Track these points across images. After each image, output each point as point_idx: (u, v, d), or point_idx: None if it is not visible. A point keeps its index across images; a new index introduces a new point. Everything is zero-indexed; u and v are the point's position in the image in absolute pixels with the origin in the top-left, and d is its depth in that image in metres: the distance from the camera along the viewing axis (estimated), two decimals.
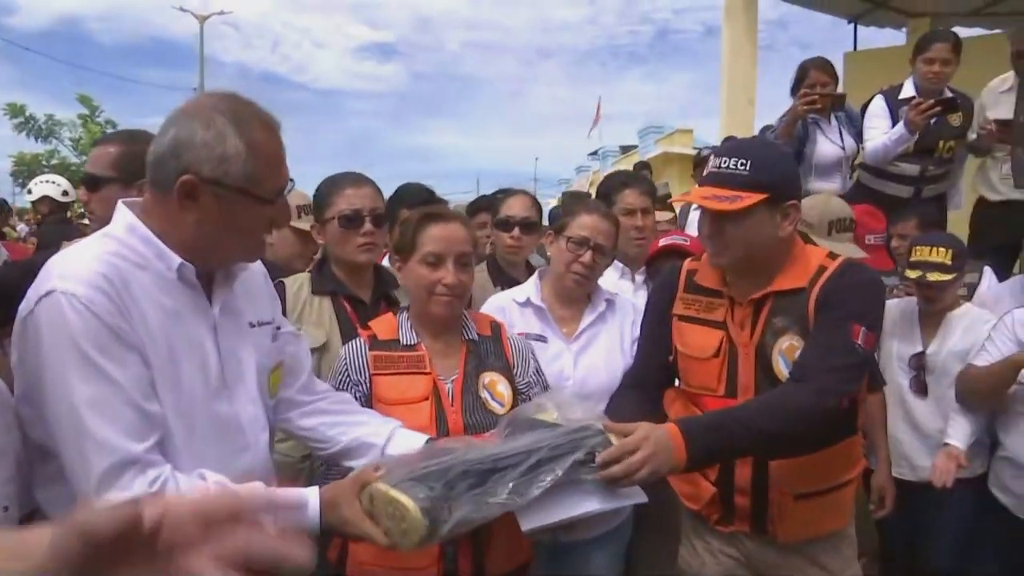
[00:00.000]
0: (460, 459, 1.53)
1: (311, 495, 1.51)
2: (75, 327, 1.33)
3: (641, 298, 2.81)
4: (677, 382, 2.17)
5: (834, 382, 1.83)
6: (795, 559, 2.06)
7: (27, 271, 2.22)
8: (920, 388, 3.03)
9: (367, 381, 1.99)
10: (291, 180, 1.58)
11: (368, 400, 1.98)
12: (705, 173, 1.96)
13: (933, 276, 2.95)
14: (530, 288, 2.50)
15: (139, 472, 1.35)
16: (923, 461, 2.98)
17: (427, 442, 1.79)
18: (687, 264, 2.17)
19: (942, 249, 2.99)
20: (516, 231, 3.08)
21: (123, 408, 1.35)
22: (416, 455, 1.62)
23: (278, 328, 1.76)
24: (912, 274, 3.00)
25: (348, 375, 2.01)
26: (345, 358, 2.04)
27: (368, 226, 2.40)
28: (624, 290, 2.89)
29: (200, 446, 1.49)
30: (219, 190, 1.44)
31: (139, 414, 1.37)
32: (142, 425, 1.37)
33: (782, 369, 1.91)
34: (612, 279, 2.95)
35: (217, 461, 1.50)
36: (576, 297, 2.48)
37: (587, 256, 2.36)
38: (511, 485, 1.52)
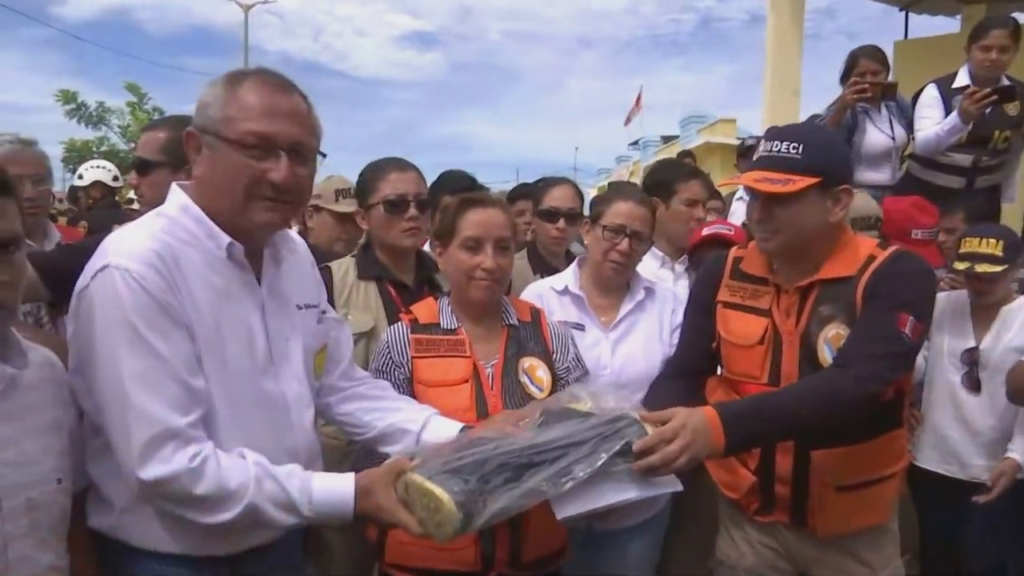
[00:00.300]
0: (495, 451, 1.53)
1: (346, 482, 1.52)
2: (127, 301, 1.38)
3: (682, 287, 2.79)
4: (719, 370, 2.15)
5: (876, 370, 1.80)
6: (834, 553, 2.03)
7: (81, 253, 2.29)
8: (973, 384, 2.95)
9: (408, 363, 2.02)
10: (322, 154, 1.59)
11: (410, 382, 2.01)
12: (756, 157, 1.94)
13: (981, 267, 2.88)
14: (568, 276, 2.50)
15: (180, 446, 1.39)
16: (973, 459, 2.92)
17: (462, 430, 1.80)
18: (733, 252, 2.15)
19: (992, 240, 2.92)
20: (561, 222, 3.08)
21: (168, 382, 1.39)
22: (450, 445, 1.62)
23: (323, 312, 1.79)
24: (960, 265, 2.93)
25: (390, 356, 2.04)
26: (387, 340, 2.07)
27: (412, 211, 2.42)
28: (664, 279, 2.88)
29: (246, 423, 1.52)
30: (205, 137, 1.49)
31: (183, 388, 1.41)
32: (186, 399, 1.41)
33: (827, 357, 1.89)
34: (652, 268, 2.93)
35: (263, 438, 1.54)
36: (614, 285, 2.47)
37: (624, 244, 2.36)
38: (545, 481, 1.51)
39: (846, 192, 1.93)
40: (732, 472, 2.09)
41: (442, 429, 1.80)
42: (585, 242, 2.55)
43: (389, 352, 2.05)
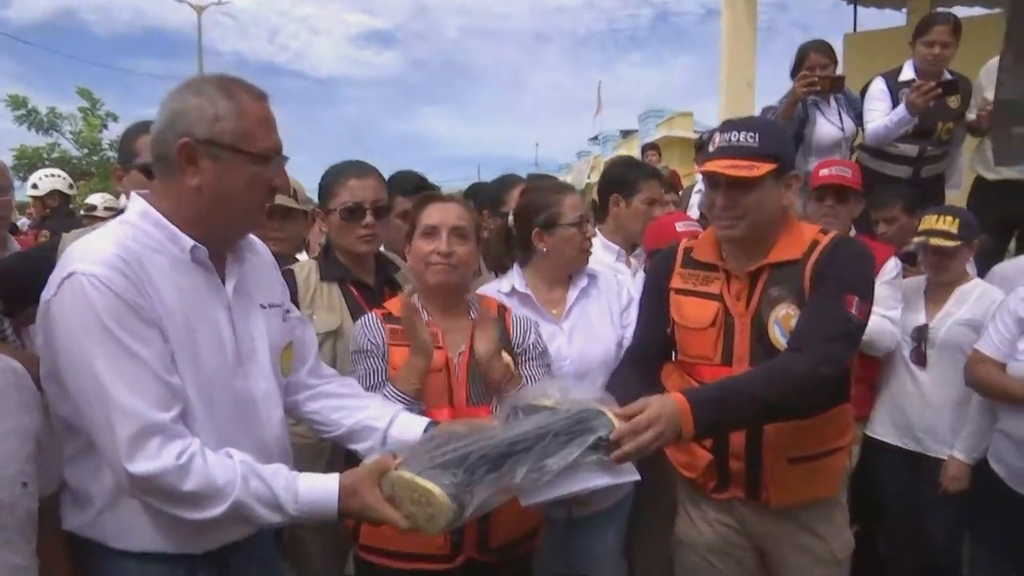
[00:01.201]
0: (477, 445, 1.57)
1: (331, 482, 1.56)
2: (97, 305, 1.41)
3: (640, 280, 2.86)
4: (674, 356, 2.22)
5: (830, 351, 1.90)
6: (789, 526, 2.13)
7: (31, 260, 2.27)
8: (919, 359, 3.08)
9: (384, 345, 2.10)
10: (285, 156, 1.64)
11: (386, 360, 2.08)
12: (714, 148, 2.03)
13: (935, 241, 3.01)
14: (513, 278, 2.55)
15: (166, 441, 1.42)
16: (926, 433, 3.05)
17: (429, 425, 1.84)
18: (684, 243, 2.24)
19: (949, 217, 3.06)
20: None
21: (147, 379, 1.42)
22: (428, 442, 1.65)
23: (287, 311, 1.83)
24: (917, 239, 3.08)
25: (367, 340, 2.11)
26: (361, 328, 2.15)
27: (368, 218, 2.45)
28: (620, 271, 2.95)
29: (219, 421, 1.55)
30: (214, 150, 1.51)
31: (162, 385, 1.44)
32: (166, 395, 1.44)
33: (778, 337, 1.98)
34: (608, 261, 3.00)
35: (235, 436, 1.57)
36: (560, 278, 2.54)
37: (588, 229, 2.50)
38: (525, 469, 1.57)
39: (795, 178, 2.06)
40: (689, 453, 2.17)
41: (409, 425, 1.84)
42: (543, 248, 2.50)
43: (364, 338, 2.12)
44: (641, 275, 2.91)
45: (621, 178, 3.12)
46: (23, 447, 1.43)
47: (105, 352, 1.41)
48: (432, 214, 2.14)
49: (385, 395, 1.98)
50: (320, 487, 1.55)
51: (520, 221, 2.53)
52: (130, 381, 1.41)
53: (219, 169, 1.52)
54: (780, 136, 2.08)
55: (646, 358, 2.26)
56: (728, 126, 2.04)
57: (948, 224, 3.03)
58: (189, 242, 1.55)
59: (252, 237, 1.81)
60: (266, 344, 1.70)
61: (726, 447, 2.08)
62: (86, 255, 1.46)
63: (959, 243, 3.02)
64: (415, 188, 2.91)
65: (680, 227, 2.88)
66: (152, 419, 1.41)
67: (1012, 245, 4.57)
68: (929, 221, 3.08)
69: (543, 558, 2.26)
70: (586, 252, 2.53)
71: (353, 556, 2.21)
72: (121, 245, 1.49)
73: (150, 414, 1.41)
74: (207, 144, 1.51)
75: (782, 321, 1.98)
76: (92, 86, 19.29)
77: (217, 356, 1.57)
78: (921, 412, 3.07)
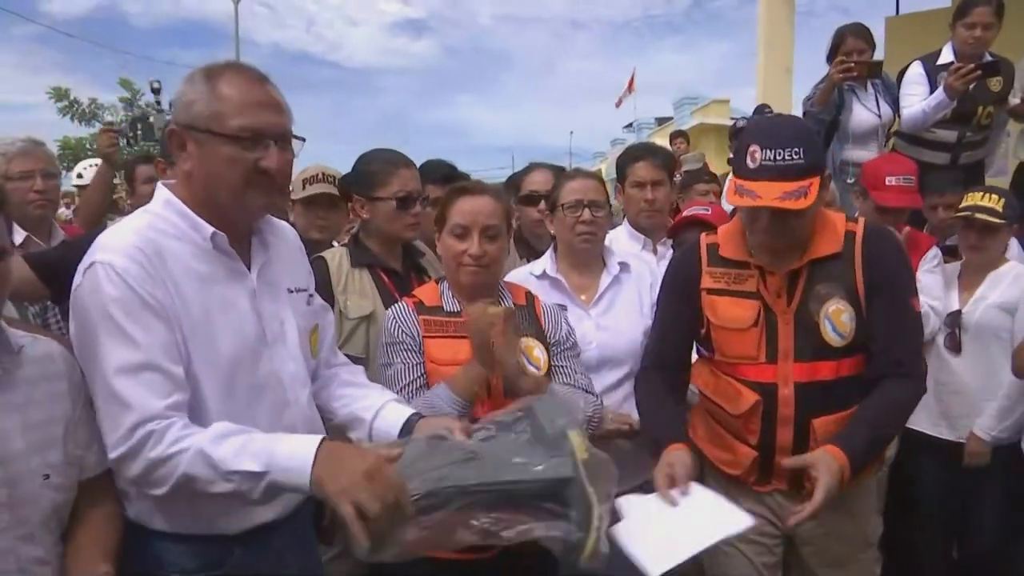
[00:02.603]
0: (451, 474, 1.47)
1: (312, 440, 1.47)
2: (108, 294, 1.46)
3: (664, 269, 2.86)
4: (708, 354, 2.20)
5: (923, 366, 2.09)
6: (825, 511, 2.09)
7: (76, 248, 2.35)
8: (954, 346, 3.04)
9: (419, 337, 2.09)
10: (300, 138, 1.64)
11: (421, 352, 2.07)
12: (756, 167, 1.92)
13: (981, 216, 2.98)
14: (546, 261, 2.58)
15: (159, 430, 1.44)
16: (962, 420, 3.01)
17: (408, 419, 1.77)
18: (704, 239, 2.20)
19: (994, 196, 3.04)
20: (542, 204, 3.12)
21: (146, 370, 1.46)
22: (426, 448, 1.55)
23: (311, 296, 1.86)
24: (961, 213, 3.05)
25: (402, 332, 2.09)
26: (394, 318, 2.13)
27: (417, 207, 2.52)
28: (647, 262, 2.93)
29: (240, 405, 1.58)
30: (194, 133, 1.55)
31: (162, 375, 1.47)
32: (165, 385, 1.47)
33: (830, 332, 2.00)
34: (634, 250, 2.99)
35: (260, 418, 1.60)
36: (589, 261, 2.55)
37: (585, 214, 2.46)
38: (481, 523, 1.47)
39: (829, 176, 2.04)
40: (730, 450, 2.17)
41: (392, 416, 1.79)
42: (552, 231, 2.61)
43: (400, 326, 2.10)
44: (665, 264, 2.91)
45: (619, 165, 3.13)
46: (48, 438, 1.44)
47: (111, 342, 1.45)
48: (463, 212, 2.10)
49: (436, 394, 1.96)
50: (302, 440, 1.48)
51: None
52: (131, 372, 1.45)
53: (201, 152, 1.56)
54: (814, 140, 2.02)
55: (672, 364, 2.23)
56: (770, 142, 1.91)
57: (994, 202, 3.01)
58: (209, 229, 1.58)
59: (277, 221, 1.84)
60: (295, 327, 1.73)
61: (773, 443, 2.08)
62: (108, 245, 1.51)
63: (1003, 222, 3.00)
64: (445, 177, 2.94)
65: (687, 212, 2.86)
66: (147, 410, 1.44)
67: None
68: (974, 198, 3.06)
69: None
70: (582, 236, 2.48)
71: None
72: (141, 235, 1.53)
73: (146, 405, 1.44)
74: (187, 129, 1.55)
75: (832, 316, 1.98)
76: (133, 77, 19.63)
77: (238, 341, 1.59)
78: (956, 399, 3.03)
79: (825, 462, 1.84)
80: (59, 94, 18.42)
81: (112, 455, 1.46)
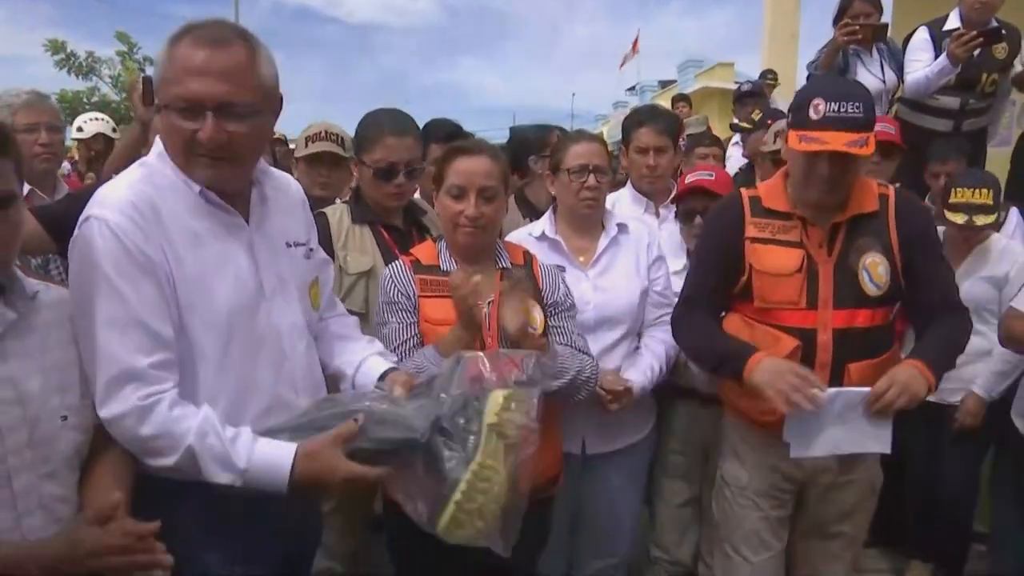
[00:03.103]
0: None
1: (289, 446, 1.52)
2: (100, 250, 1.47)
3: (667, 232, 2.87)
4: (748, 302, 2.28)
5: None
6: (846, 458, 2.24)
7: (81, 201, 2.37)
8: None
9: (415, 297, 2.11)
10: (218, 107, 1.50)
11: (416, 311, 2.10)
12: (819, 117, 2.05)
13: (980, 220, 2.98)
14: (544, 223, 2.59)
15: (139, 386, 1.46)
16: (946, 384, 3.02)
17: (384, 374, 1.80)
18: (745, 193, 2.30)
19: (985, 190, 3.02)
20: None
21: (133, 326, 1.47)
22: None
23: (311, 249, 1.86)
24: (958, 219, 3.02)
25: (397, 292, 2.12)
26: (391, 276, 2.15)
27: (401, 179, 2.48)
28: (648, 224, 2.95)
29: (238, 357, 1.59)
30: (157, 98, 1.55)
31: (148, 333, 1.48)
32: (150, 343, 1.48)
33: (867, 282, 2.15)
34: (636, 213, 3.00)
35: (259, 371, 1.63)
36: (589, 225, 2.57)
37: (591, 180, 2.47)
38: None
39: (873, 135, 2.13)
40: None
41: (371, 371, 1.82)
42: (552, 191, 2.62)
43: (395, 286, 2.12)
44: (669, 225, 2.93)
45: (624, 128, 3.12)
46: (64, 381, 1.47)
47: (100, 296, 1.46)
48: (460, 172, 2.10)
49: (424, 355, 1.99)
50: (276, 447, 1.52)
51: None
52: (116, 327, 1.46)
53: (160, 117, 1.57)
54: (871, 99, 2.16)
55: (713, 306, 2.33)
56: (833, 94, 2.08)
57: (986, 197, 3.01)
58: (197, 186, 1.58)
59: (280, 174, 1.84)
60: (293, 280, 1.74)
61: None
62: (104, 199, 1.51)
63: (997, 215, 3.02)
64: (448, 136, 2.93)
65: (689, 178, 2.83)
66: (129, 365, 1.45)
67: None
68: (965, 194, 3.03)
69: (559, 495, 2.33)
70: (584, 202, 2.49)
71: (383, 505, 2.25)
72: (137, 189, 1.53)
73: (130, 360, 1.45)
74: (156, 92, 1.55)
75: (869, 268, 2.14)
76: (129, 30, 19.34)
77: (234, 294, 1.59)
78: None
79: (899, 368, 2.05)
80: (55, 46, 18.15)
81: (100, 411, 1.48)
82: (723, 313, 2.35)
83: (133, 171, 1.61)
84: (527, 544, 2.21)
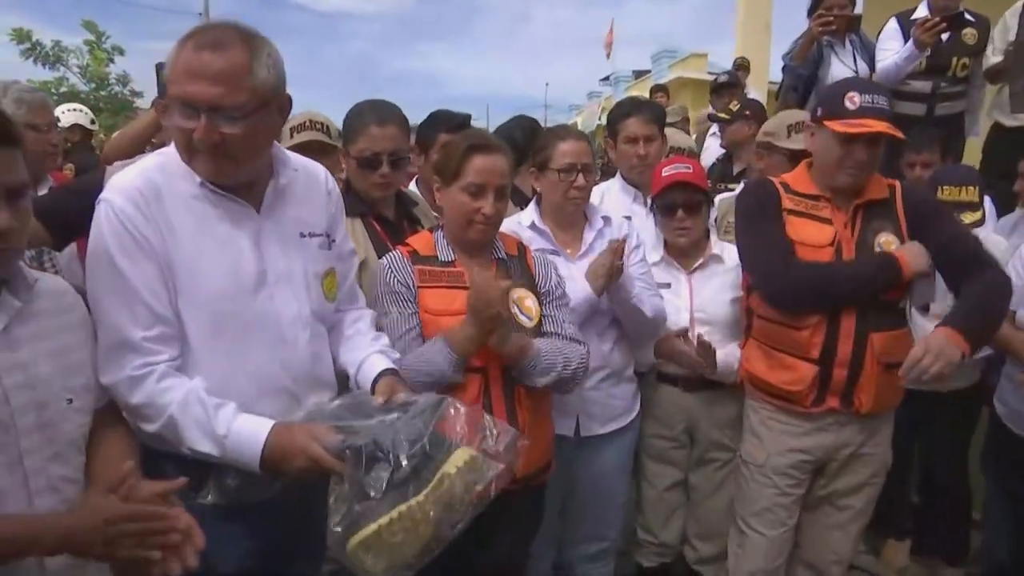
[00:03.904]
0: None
1: (267, 421, 1.61)
2: (106, 231, 1.60)
3: (651, 223, 2.90)
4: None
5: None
6: (863, 434, 2.45)
7: (76, 193, 2.36)
8: (923, 306, 3.14)
9: (414, 287, 2.12)
10: (211, 110, 1.55)
11: (415, 302, 2.11)
12: (856, 108, 2.29)
13: (967, 217, 3.02)
14: (531, 213, 2.62)
15: (136, 357, 1.58)
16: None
17: (380, 374, 1.83)
18: (775, 180, 2.51)
19: (971, 187, 3.07)
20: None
21: (132, 301, 1.58)
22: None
23: (332, 240, 1.89)
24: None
25: (396, 280, 2.12)
26: (390, 266, 2.15)
27: (385, 168, 2.48)
28: (637, 214, 3.01)
29: (230, 337, 1.67)
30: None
31: (146, 309, 1.59)
32: (147, 318, 1.59)
33: None
34: (625, 203, 3.05)
35: (252, 353, 1.69)
36: (574, 220, 2.60)
37: (579, 179, 2.50)
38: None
39: None
40: (791, 369, 2.41)
41: (369, 372, 1.86)
42: (537, 188, 2.63)
43: (395, 276, 2.12)
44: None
45: (611, 120, 3.17)
46: (68, 365, 1.51)
47: (104, 271, 1.59)
48: (479, 171, 2.10)
49: (433, 348, 2.00)
50: (256, 420, 1.61)
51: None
52: (117, 300, 1.58)
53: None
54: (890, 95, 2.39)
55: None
56: (866, 88, 2.36)
57: (971, 195, 3.06)
58: (198, 178, 1.65)
59: (310, 163, 1.90)
60: (301, 269, 1.77)
61: (833, 356, 2.35)
62: (115, 184, 1.64)
63: (983, 211, 3.08)
64: (459, 125, 2.95)
65: (667, 171, 2.81)
66: (127, 335, 1.58)
67: None
68: (952, 192, 3.07)
69: (552, 477, 2.36)
70: (572, 200, 2.52)
71: None
72: (145, 177, 1.64)
73: (128, 330, 1.58)
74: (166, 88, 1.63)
75: (884, 246, 2.35)
76: (95, 18, 18.94)
77: (228, 279, 1.66)
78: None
79: (932, 335, 2.11)
80: (20, 35, 17.75)
81: (100, 377, 1.58)
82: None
83: (149, 159, 1.72)
84: (520, 531, 2.29)
